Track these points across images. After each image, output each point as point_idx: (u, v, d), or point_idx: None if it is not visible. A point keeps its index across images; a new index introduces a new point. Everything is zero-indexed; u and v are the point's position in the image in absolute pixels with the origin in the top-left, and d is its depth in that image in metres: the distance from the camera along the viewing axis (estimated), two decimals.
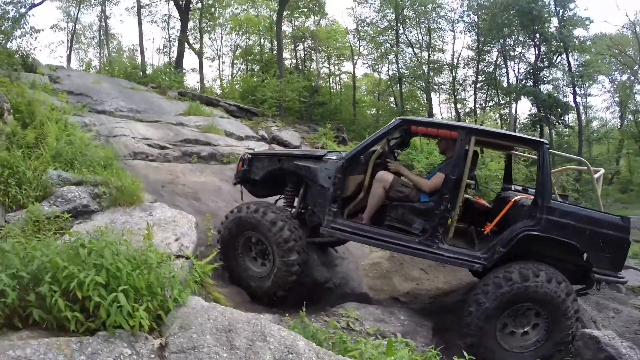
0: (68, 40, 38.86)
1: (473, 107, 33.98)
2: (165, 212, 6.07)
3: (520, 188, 7.02)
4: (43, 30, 13.11)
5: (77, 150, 6.85)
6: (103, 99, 13.11)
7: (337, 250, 8.23)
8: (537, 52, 29.59)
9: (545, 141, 5.45)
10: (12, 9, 11.43)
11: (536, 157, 5.52)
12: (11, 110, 8.01)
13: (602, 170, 6.30)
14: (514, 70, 32.18)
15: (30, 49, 12.93)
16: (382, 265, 8.73)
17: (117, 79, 18.87)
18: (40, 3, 29.01)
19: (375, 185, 5.67)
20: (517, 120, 32.09)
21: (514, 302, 4.93)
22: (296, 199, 6.41)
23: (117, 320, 2.83)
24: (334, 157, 5.85)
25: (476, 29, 32.29)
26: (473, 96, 34.46)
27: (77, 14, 37.94)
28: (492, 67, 33.00)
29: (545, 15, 27.37)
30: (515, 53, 31.32)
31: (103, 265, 2.94)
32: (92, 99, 12.78)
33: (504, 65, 31.86)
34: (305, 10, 33.88)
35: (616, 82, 36.80)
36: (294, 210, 6.37)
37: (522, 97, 29.77)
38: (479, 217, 6.38)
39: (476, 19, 32.28)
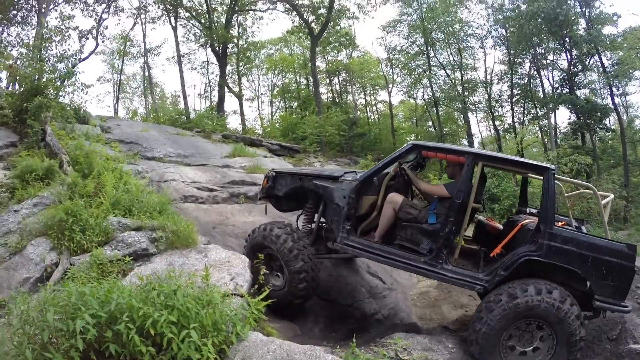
0: (114, 91, 41.07)
1: (512, 123, 33.13)
2: (220, 254, 6.42)
3: (535, 211, 6.93)
4: (93, 86, 13.84)
5: (134, 198, 7.37)
6: (152, 146, 13.78)
7: (385, 282, 8.39)
8: (569, 57, 28.58)
9: (551, 166, 5.47)
10: (63, 67, 12.15)
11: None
12: (70, 162, 8.71)
13: (611, 196, 6.23)
14: (548, 79, 31.07)
15: (82, 102, 13.69)
16: (431, 293, 8.75)
17: (164, 125, 19.81)
18: (86, 57, 31.15)
19: (386, 206, 5.94)
20: (558, 130, 30.91)
21: (513, 320, 5.00)
22: (316, 215, 6.75)
23: (186, 354, 3.15)
24: (349, 178, 6.18)
25: (505, 43, 31.79)
26: (510, 111, 33.47)
27: (122, 66, 40.20)
28: (526, 78, 32.06)
29: (572, 18, 26.47)
30: (548, 61, 30.32)
31: (174, 305, 3.31)
32: (142, 147, 13.46)
33: (537, 76, 30.85)
34: (337, 45, 34.40)
35: None
36: (313, 225, 6.76)
37: (560, 105, 28.67)
38: (491, 239, 6.38)
39: (504, 32, 31.82)
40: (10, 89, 15.36)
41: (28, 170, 8.01)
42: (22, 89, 11.52)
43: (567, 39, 27.38)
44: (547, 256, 5.07)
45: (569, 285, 5.20)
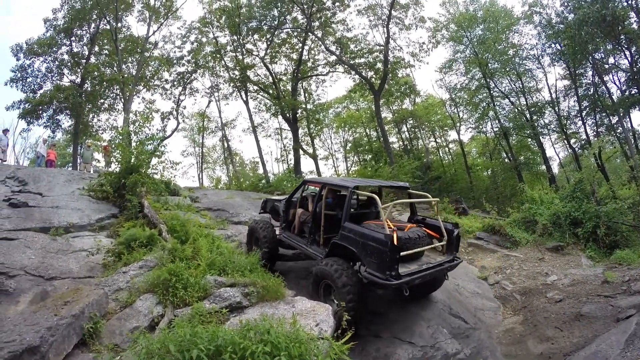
0: (197, 162, 44.22)
1: (586, 137, 30.90)
2: (305, 304, 7.11)
3: (420, 218, 9.18)
4: (181, 162, 15.29)
5: (227, 259, 8.45)
6: (238, 212, 14.76)
7: (467, 322, 8.53)
8: (629, 55, 26.55)
9: (351, 186, 8.06)
10: (151, 147, 13.63)
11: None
12: (168, 230, 9.83)
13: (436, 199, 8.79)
14: (615, 83, 29.00)
15: (172, 177, 15.18)
16: (516, 330, 8.74)
17: (247, 192, 21.03)
18: (170, 135, 34.21)
19: (297, 215, 9.53)
20: (636, 135, 28.18)
21: (321, 276, 7.53)
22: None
23: None
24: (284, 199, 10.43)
25: (562, 57, 30.32)
26: (582, 126, 31.32)
27: (202, 140, 43.37)
28: (592, 88, 30.04)
29: (622, 13, 24.38)
30: (609, 65, 28.22)
31: (268, 340, 4.01)
32: (229, 213, 14.48)
33: (601, 83, 28.89)
34: (399, 94, 34.99)
35: None
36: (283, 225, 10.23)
37: (632, 108, 26.63)
38: None
39: (559, 47, 30.40)
40: (105, 168, 17.34)
41: (132, 238, 9.38)
42: (118, 168, 13.25)
43: (622, 37, 25.72)
44: (341, 240, 7.61)
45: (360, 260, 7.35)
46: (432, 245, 8.06)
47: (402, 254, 6.93)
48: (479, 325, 8.79)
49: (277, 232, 10.02)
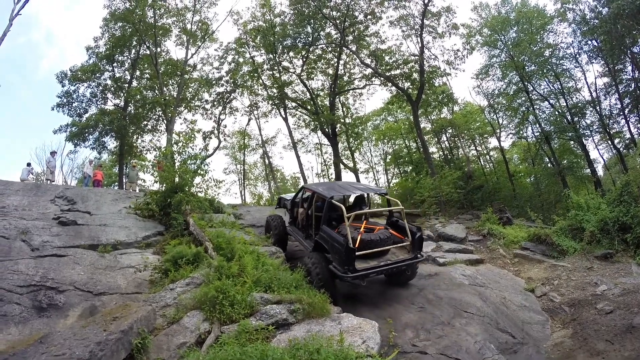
0: (240, 179, 44.95)
1: (630, 136, 29.00)
2: (352, 321, 7.22)
3: (395, 220, 10.99)
4: (224, 181, 15.71)
5: (272, 276, 8.58)
6: None
7: (515, 337, 8.39)
8: None
9: (328, 196, 9.96)
10: (194, 166, 14.05)
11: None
12: (214, 248, 10.06)
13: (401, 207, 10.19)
14: None
15: (215, 195, 15.53)
16: (565, 344, 8.52)
17: None
18: (212, 154, 34.97)
19: (299, 213, 11.97)
20: None
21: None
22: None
23: None
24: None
25: (600, 54, 28.95)
26: (626, 125, 29.47)
27: (243, 157, 44.14)
28: (632, 84, 28.31)
29: None
30: None
31: (318, 359, 4.05)
32: None
33: None
34: (437, 104, 34.55)
35: None
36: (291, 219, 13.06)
37: None
38: None
39: (595, 43, 29.13)
40: (152, 187, 17.91)
41: (179, 255, 9.68)
42: (163, 187, 13.75)
43: None
44: (319, 239, 9.60)
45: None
46: (391, 247, 9.87)
47: (357, 253, 8.70)
48: (527, 339, 8.64)
49: (287, 225, 12.85)
